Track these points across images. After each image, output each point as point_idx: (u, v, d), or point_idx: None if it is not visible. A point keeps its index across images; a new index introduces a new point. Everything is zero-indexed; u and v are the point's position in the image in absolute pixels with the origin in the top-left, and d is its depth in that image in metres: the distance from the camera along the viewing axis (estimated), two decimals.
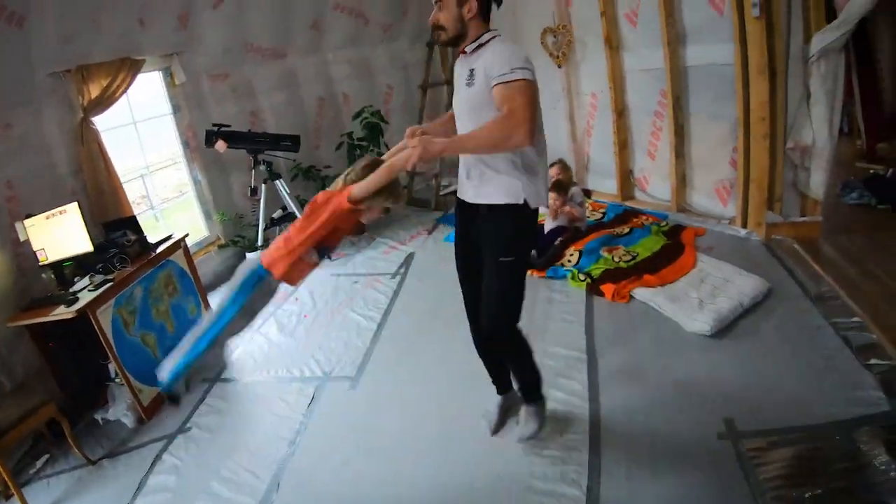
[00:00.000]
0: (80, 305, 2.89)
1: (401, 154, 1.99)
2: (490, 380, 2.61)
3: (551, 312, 3.47)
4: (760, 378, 2.58)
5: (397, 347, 3.42)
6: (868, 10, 3.29)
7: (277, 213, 4.90)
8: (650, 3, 4.12)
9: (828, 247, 3.72)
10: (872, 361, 2.57)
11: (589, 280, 3.69)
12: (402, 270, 4.46)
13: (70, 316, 2.86)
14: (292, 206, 4.77)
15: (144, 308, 3.34)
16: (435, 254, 4.67)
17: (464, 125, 2.09)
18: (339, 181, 2.08)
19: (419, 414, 2.79)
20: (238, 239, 4.91)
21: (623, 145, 4.88)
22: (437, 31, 2.03)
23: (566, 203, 4.28)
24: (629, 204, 4.94)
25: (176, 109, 4.68)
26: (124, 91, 3.98)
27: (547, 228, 4.32)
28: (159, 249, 3.54)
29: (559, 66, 4.98)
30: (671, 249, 3.92)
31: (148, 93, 4.71)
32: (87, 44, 3.74)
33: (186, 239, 3.80)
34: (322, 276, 4.57)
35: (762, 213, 3.92)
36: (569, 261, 4.00)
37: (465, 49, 2.02)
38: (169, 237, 3.68)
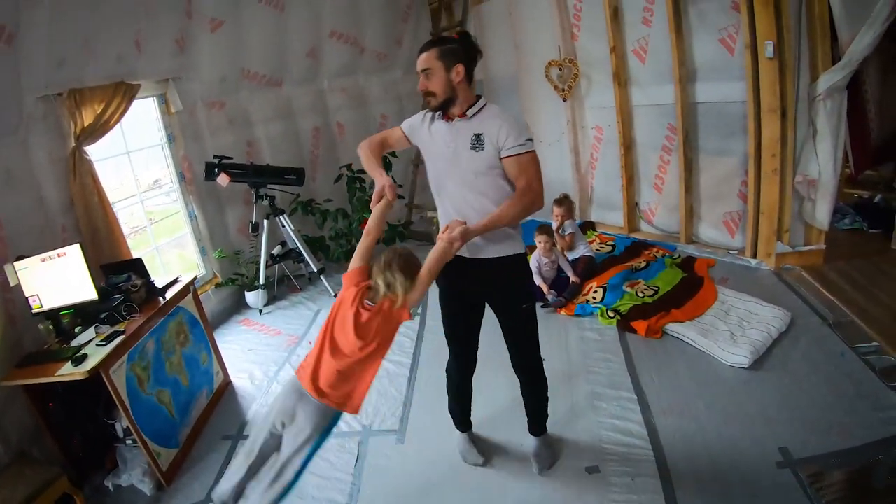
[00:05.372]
0: (92, 364, 2.50)
1: (438, 249, 2.00)
2: (458, 419, 2.74)
3: (589, 352, 3.43)
4: (800, 406, 2.69)
5: (435, 395, 3.13)
6: (870, 51, 3.49)
7: (277, 250, 4.69)
8: (659, 39, 4.21)
9: (833, 273, 3.90)
10: None
11: (618, 317, 3.68)
12: (420, 311, 4.26)
13: (81, 377, 2.49)
14: (296, 243, 4.57)
15: (158, 363, 2.99)
16: None
17: (465, 186, 2.16)
18: (381, 286, 1.97)
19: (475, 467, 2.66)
20: (236, 277, 4.63)
21: (630, 179, 4.93)
22: (428, 97, 2.11)
23: (554, 243, 4.22)
24: (636, 236, 5.00)
25: (171, 139, 4.37)
26: (119, 118, 3.64)
27: (534, 265, 4.08)
28: (168, 295, 3.20)
29: (564, 100, 5.00)
30: (690, 283, 3.98)
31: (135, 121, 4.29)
32: (81, 67, 3.42)
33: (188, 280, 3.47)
34: None
35: (772, 244, 4.05)
36: (594, 297, 3.98)
37: (465, 112, 2.11)
38: (176, 280, 3.36)
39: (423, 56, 2.09)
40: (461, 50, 2.08)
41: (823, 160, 3.76)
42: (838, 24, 3.49)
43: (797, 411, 2.65)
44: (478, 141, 2.08)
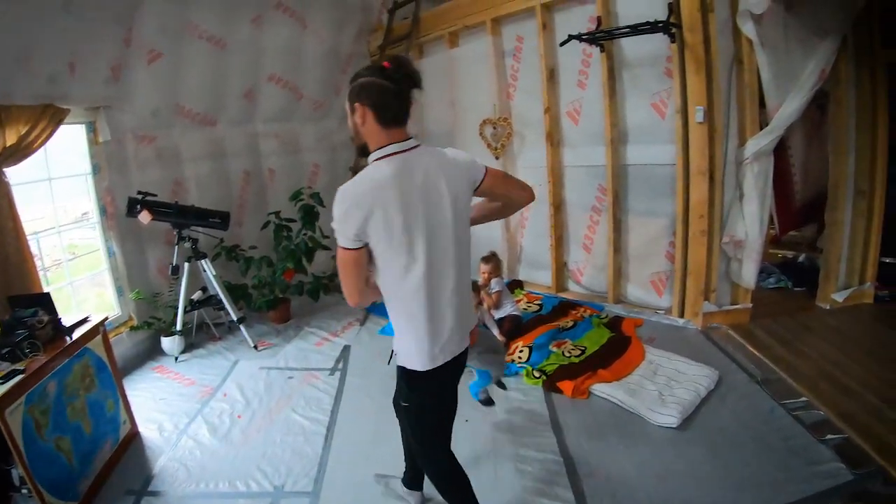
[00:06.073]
0: None
1: None
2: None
3: (514, 413, 3.29)
4: (732, 464, 2.66)
5: (353, 456, 2.98)
6: (796, 117, 3.73)
7: (198, 295, 4.43)
8: (593, 102, 4.38)
9: (759, 331, 4.02)
10: (827, 437, 2.78)
11: (544, 377, 3.60)
12: (341, 366, 4.07)
13: None
14: (217, 289, 4.33)
15: (59, 407, 2.67)
16: (371, 348, 4.34)
17: None
18: None
19: None
20: (153, 320, 4.31)
21: (559, 239, 5.00)
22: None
23: (481, 302, 4.19)
24: (564, 296, 5.02)
25: (96, 170, 4.13)
26: (44, 142, 3.45)
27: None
28: (76, 335, 2.92)
29: (496, 158, 5.08)
30: (617, 342, 3.96)
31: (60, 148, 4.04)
32: (9, 82, 3.23)
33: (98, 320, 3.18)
34: (249, 369, 4.08)
35: (699, 303, 4.14)
36: (519, 357, 3.90)
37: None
38: (85, 319, 3.05)
39: None
40: (370, 88, 1.64)
41: (750, 221, 3.92)
42: (766, 91, 3.71)
43: (729, 469, 2.62)
44: None
